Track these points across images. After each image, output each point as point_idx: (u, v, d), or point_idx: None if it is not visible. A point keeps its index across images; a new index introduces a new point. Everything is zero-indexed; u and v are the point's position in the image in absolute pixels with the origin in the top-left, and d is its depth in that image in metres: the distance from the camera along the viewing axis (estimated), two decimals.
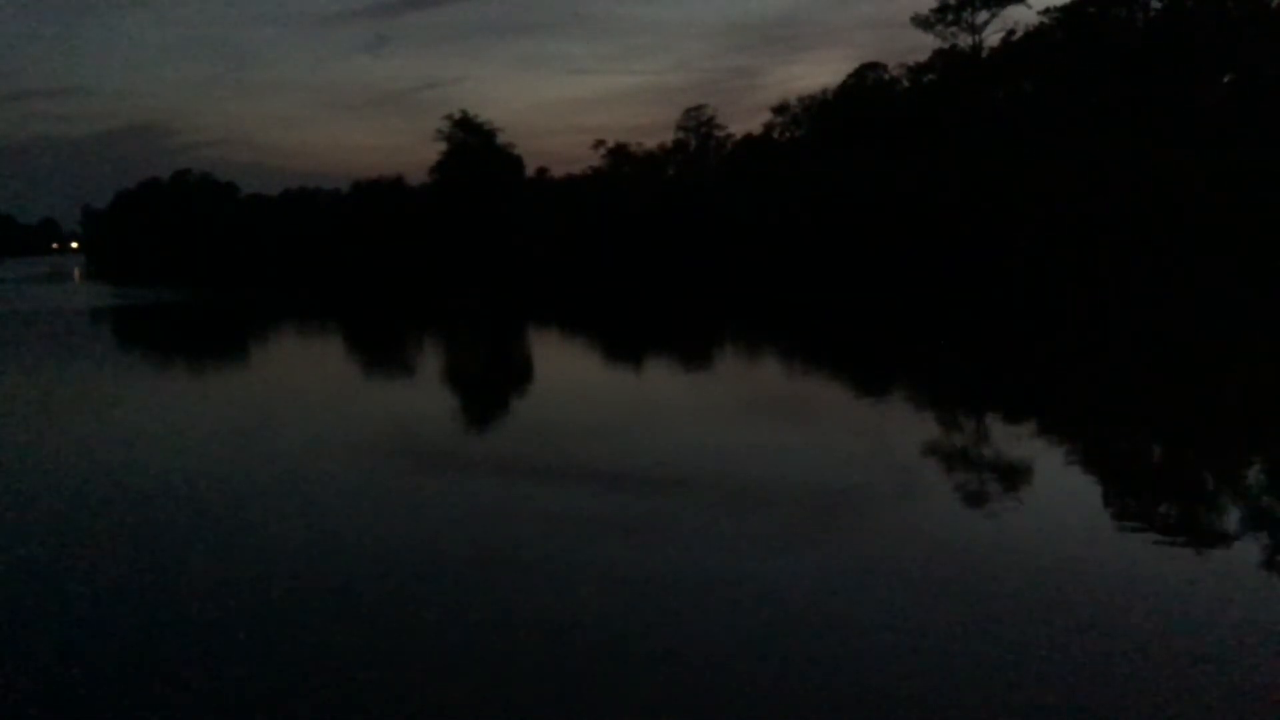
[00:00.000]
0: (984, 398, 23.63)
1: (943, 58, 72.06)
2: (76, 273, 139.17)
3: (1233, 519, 13.44)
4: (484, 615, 10.09)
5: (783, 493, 14.41)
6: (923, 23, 72.10)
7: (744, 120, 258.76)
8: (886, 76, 78.19)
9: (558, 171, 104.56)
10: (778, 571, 11.08)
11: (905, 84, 75.80)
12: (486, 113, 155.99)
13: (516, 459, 17.60)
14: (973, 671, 8.51)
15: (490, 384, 29.33)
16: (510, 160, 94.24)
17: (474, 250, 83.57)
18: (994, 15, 70.58)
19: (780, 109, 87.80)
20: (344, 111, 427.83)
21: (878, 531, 12.56)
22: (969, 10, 70.79)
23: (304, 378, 30.47)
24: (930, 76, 72.83)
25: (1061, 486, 14.89)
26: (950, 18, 71.23)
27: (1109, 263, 50.00)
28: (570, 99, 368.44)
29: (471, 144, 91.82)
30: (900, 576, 10.81)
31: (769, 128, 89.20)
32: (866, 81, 78.58)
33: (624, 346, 36.96)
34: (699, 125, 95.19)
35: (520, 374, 30.88)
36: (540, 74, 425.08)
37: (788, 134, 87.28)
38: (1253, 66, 53.22)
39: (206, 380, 31.40)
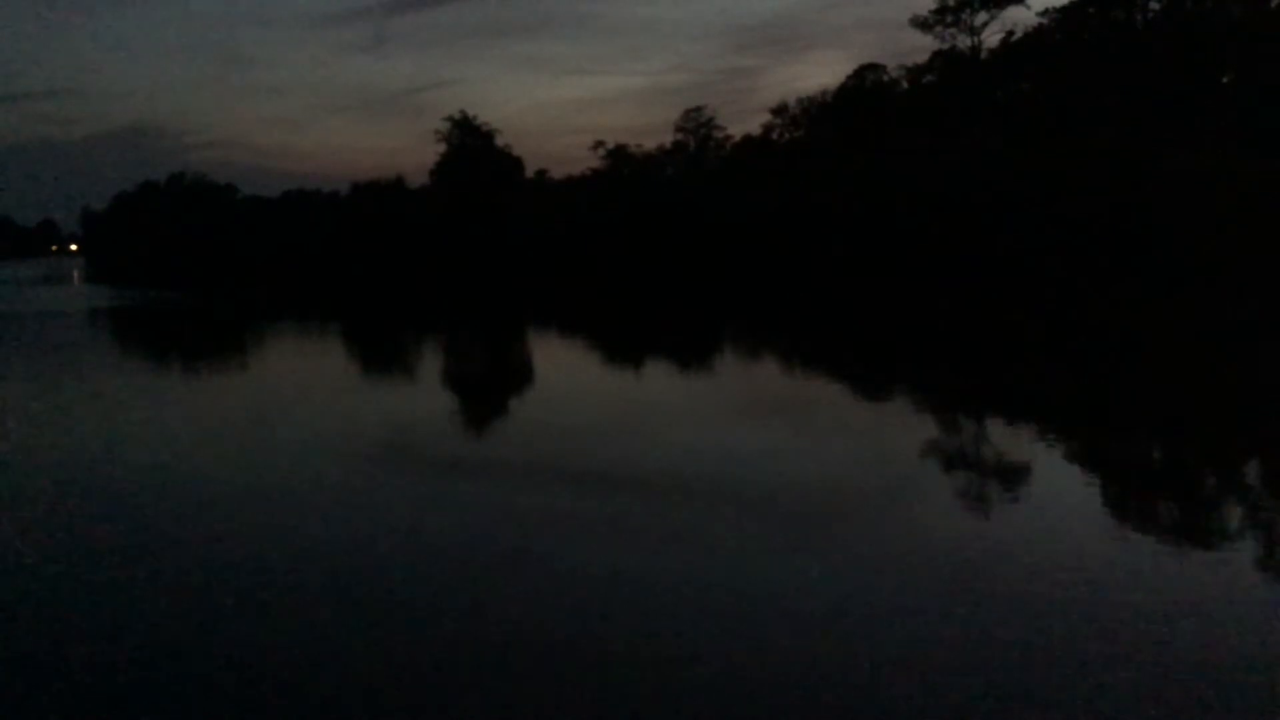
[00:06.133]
0: (984, 398, 23.62)
1: (942, 59, 72.18)
2: (75, 275, 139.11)
3: (1237, 521, 13.41)
4: (481, 619, 10.08)
5: (785, 495, 14.39)
6: (922, 24, 72.25)
7: (743, 121, 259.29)
8: (886, 78, 78.33)
9: (557, 173, 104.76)
10: (780, 575, 11.06)
11: (904, 85, 75.92)
12: (485, 114, 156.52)
13: (516, 462, 17.56)
14: (975, 675, 8.50)
15: (489, 386, 29.30)
16: (510, 161, 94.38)
17: (474, 252, 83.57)
18: (993, 16, 70.73)
19: (779, 110, 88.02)
20: (342, 113, 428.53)
21: (881, 535, 12.54)
22: (968, 11, 70.91)
23: (304, 380, 30.42)
24: (929, 78, 72.96)
25: (1063, 488, 14.88)
26: (949, 19, 71.38)
27: (1108, 262, 50.03)
28: (569, 100, 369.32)
29: (471, 145, 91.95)
30: (903, 581, 10.79)
31: (768, 129, 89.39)
32: (866, 83, 78.70)
33: (623, 348, 36.93)
34: (698, 126, 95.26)
35: (520, 376, 30.85)
36: (539, 75, 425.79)
37: (787, 135, 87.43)
38: (1252, 66, 53.25)
39: (206, 383, 31.38)
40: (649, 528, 13.00)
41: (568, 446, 18.63)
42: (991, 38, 70.92)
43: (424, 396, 26.91)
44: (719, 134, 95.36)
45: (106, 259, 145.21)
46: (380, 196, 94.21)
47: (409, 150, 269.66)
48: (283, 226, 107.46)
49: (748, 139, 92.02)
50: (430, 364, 35.66)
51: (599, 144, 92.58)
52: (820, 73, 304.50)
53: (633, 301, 57.15)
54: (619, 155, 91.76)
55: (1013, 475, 15.86)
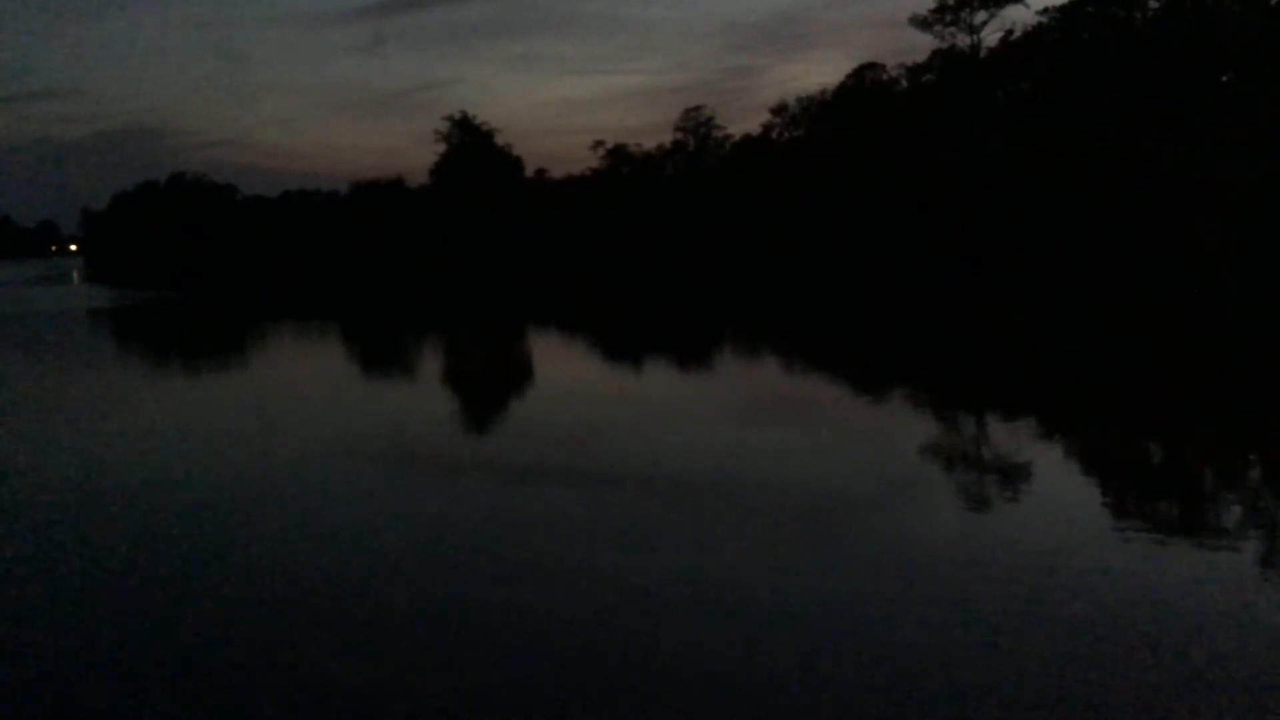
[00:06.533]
0: (984, 397, 23.64)
1: (941, 58, 72.11)
2: (75, 275, 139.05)
3: (1238, 520, 13.42)
4: (484, 619, 10.10)
5: (786, 496, 14.41)
6: (921, 23, 72.18)
7: (743, 120, 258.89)
8: (885, 77, 78.28)
9: (556, 172, 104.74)
10: (783, 577, 11.09)
11: (904, 84, 75.87)
12: (484, 113, 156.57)
13: (515, 462, 17.58)
14: (975, 676, 8.53)
15: (489, 386, 29.33)
16: (509, 161, 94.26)
17: (474, 251, 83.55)
18: (992, 15, 70.69)
19: (779, 109, 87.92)
20: (342, 112, 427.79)
21: (880, 536, 12.56)
22: (967, 10, 70.86)
23: (306, 381, 30.45)
24: (929, 77, 72.89)
25: (1063, 488, 14.89)
26: (949, 18, 71.32)
27: (1107, 261, 50.05)
28: (568, 99, 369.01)
29: (471, 145, 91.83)
30: (906, 582, 10.82)
31: (767, 128, 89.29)
32: (865, 82, 78.65)
33: (623, 348, 36.96)
34: (698, 126, 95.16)
35: (519, 376, 30.88)
36: (538, 74, 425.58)
37: (786, 134, 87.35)
38: (1251, 65, 53.25)
39: (206, 382, 31.39)
40: (650, 528, 13.02)
41: (568, 446, 18.64)
42: (991, 36, 70.95)
43: (425, 396, 26.93)
44: (718, 133, 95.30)
45: (106, 259, 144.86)
46: (380, 196, 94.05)
47: (409, 150, 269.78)
48: (283, 226, 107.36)
49: (747, 138, 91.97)
50: (431, 363, 35.69)
51: (599, 144, 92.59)
52: (820, 72, 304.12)
53: (632, 301, 57.17)
54: (619, 155, 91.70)
55: (1013, 475, 15.88)
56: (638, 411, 22.74)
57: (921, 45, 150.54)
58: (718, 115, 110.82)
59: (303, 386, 28.71)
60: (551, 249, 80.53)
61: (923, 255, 57.40)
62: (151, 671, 9.13)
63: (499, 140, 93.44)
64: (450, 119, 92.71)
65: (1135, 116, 53.21)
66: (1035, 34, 65.89)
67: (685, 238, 72.51)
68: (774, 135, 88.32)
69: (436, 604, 10.59)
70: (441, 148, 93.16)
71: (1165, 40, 55.23)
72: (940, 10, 71.21)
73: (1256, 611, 9.65)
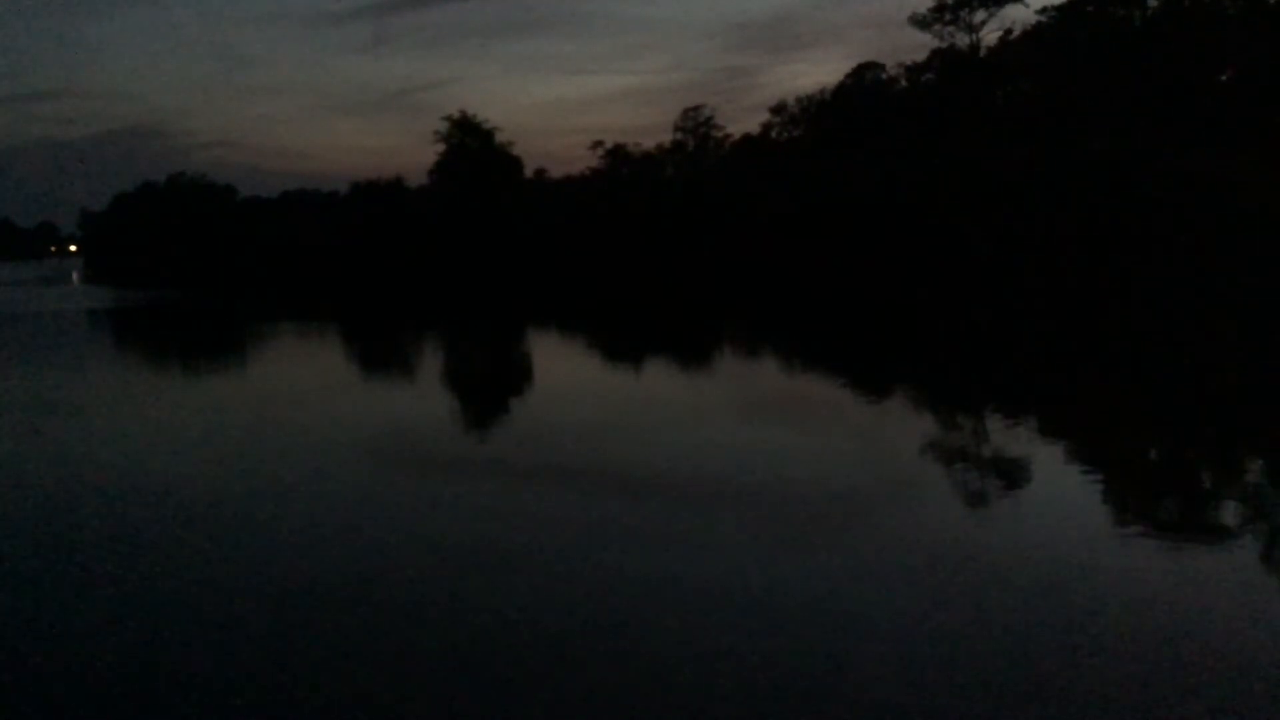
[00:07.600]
0: (984, 397, 23.63)
1: (940, 57, 72.08)
2: (75, 275, 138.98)
3: (1235, 518, 13.41)
4: (482, 620, 10.10)
5: (788, 494, 14.41)
6: (920, 22, 72.12)
7: (742, 120, 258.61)
8: (884, 76, 78.28)
9: (556, 172, 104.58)
10: (781, 575, 11.08)
11: (903, 84, 75.87)
12: (484, 113, 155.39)
13: (516, 462, 17.58)
14: (977, 678, 8.52)
15: (490, 386, 29.31)
16: (509, 161, 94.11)
17: (473, 251, 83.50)
18: (991, 14, 70.65)
19: (778, 109, 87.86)
20: (341, 113, 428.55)
21: (881, 534, 12.56)
22: (966, 10, 70.82)
23: (307, 381, 30.43)
24: (928, 76, 72.86)
25: (1063, 487, 14.89)
26: (948, 17, 71.26)
27: (1108, 261, 50.04)
28: (568, 99, 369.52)
29: (470, 145, 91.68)
30: (904, 581, 10.82)
31: (767, 128, 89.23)
32: (864, 81, 78.67)
33: (623, 348, 36.95)
34: (697, 125, 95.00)
35: (520, 376, 30.88)
36: (537, 74, 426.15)
37: (785, 134, 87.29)
38: (1250, 65, 53.25)
39: (206, 383, 31.40)
40: (652, 528, 13.02)
41: (569, 446, 18.65)
42: (990, 36, 70.93)
43: (426, 396, 26.92)
44: (718, 133, 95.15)
45: (106, 260, 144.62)
46: (380, 196, 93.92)
47: (409, 150, 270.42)
48: (282, 227, 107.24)
49: (747, 138, 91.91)
50: (431, 363, 35.67)
51: (598, 143, 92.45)
52: (819, 71, 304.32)
53: (632, 300, 57.16)
54: (618, 154, 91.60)
55: (1013, 474, 15.89)
56: (639, 411, 22.73)
57: (921, 45, 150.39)
58: (717, 115, 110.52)
59: (306, 388, 28.69)
60: (551, 249, 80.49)
61: (922, 255, 57.39)
62: (152, 664, 9.13)
63: (498, 140, 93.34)
64: (450, 119, 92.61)
65: (1135, 116, 53.20)
66: (1035, 33, 65.86)
67: (684, 238, 72.49)
68: (773, 135, 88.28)
69: (435, 604, 10.58)
70: (441, 148, 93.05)
71: (1165, 40, 55.22)
72: (939, 10, 71.16)
73: (1256, 610, 9.65)
